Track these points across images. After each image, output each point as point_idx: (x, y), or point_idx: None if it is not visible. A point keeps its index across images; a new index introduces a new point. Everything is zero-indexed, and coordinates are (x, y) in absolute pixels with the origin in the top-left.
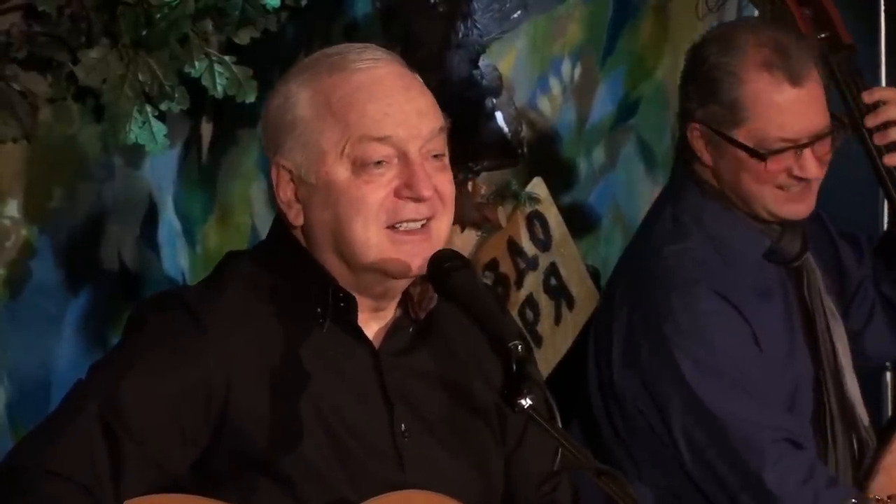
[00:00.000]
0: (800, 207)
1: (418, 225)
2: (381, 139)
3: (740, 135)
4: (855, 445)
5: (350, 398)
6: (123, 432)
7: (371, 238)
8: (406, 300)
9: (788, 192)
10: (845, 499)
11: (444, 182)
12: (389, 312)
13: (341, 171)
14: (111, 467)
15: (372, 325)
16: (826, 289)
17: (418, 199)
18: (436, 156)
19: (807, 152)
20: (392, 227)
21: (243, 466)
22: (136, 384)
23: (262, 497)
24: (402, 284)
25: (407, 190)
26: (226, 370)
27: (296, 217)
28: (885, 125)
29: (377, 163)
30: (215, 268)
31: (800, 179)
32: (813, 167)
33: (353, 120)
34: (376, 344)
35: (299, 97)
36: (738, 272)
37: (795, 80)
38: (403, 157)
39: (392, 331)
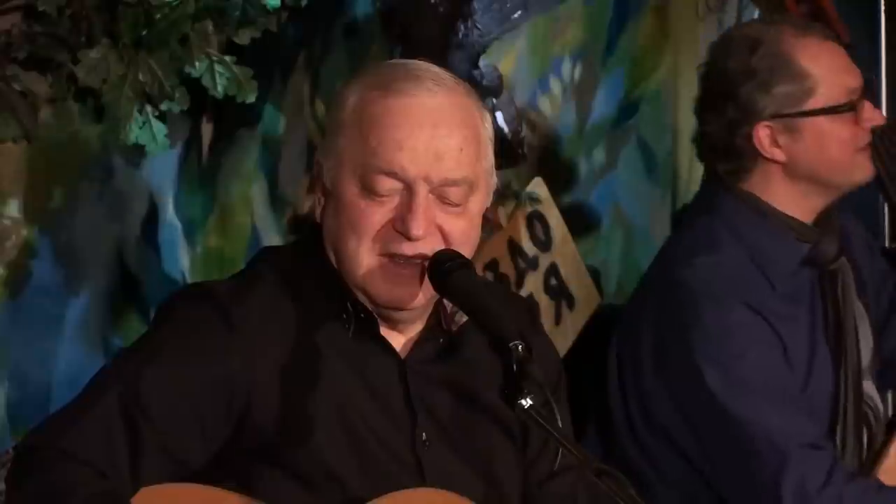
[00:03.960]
0: (871, 168)
1: (416, 261)
2: (388, 173)
3: (817, 104)
4: (864, 450)
5: (373, 403)
6: (143, 420)
7: (363, 260)
8: (439, 311)
9: (866, 153)
10: None
11: (452, 223)
12: (418, 325)
13: (350, 187)
14: (129, 454)
15: (399, 335)
16: (858, 290)
17: (409, 238)
18: (453, 202)
19: (865, 101)
20: (384, 255)
21: (263, 463)
22: (159, 374)
23: (280, 495)
24: (407, 314)
25: (400, 224)
26: (250, 368)
27: (319, 213)
28: None
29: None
30: (249, 262)
31: (873, 130)
32: (877, 112)
33: (371, 144)
34: (403, 353)
35: (346, 102)
36: (773, 282)
37: (832, 37)
38: (409, 189)
39: (421, 340)
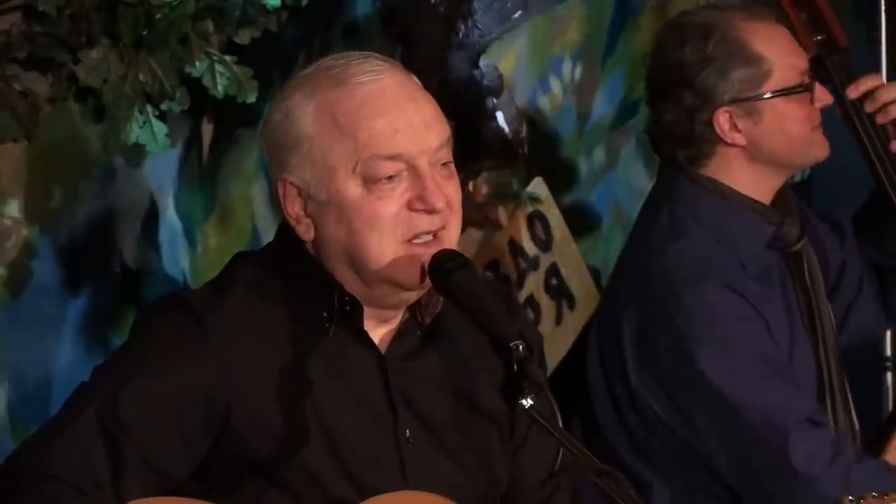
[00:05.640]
0: (826, 145)
1: (430, 237)
2: (392, 157)
3: (773, 86)
4: (856, 427)
5: (354, 404)
6: (123, 435)
7: (387, 253)
8: (413, 304)
9: (819, 131)
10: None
11: (453, 190)
12: (397, 318)
13: (352, 188)
14: (110, 469)
15: (378, 330)
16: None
17: (432, 212)
18: (444, 164)
19: (816, 82)
20: (408, 240)
21: (245, 472)
22: (137, 388)
23: (264, 503)
24: (416, 295)
25: (420, 203)
26: (228, 376)
27: (306, 232)
28: (884, 105)
29: (388, 177)
30: (223, 270)
31: (823, 109)
32: (826, 91)
33: (362, 138)
34: (382, 349)
35: (302, 112)
36: (743, 263)
37: (773, 19)
38: (413, 169)
39: (398, 335)
